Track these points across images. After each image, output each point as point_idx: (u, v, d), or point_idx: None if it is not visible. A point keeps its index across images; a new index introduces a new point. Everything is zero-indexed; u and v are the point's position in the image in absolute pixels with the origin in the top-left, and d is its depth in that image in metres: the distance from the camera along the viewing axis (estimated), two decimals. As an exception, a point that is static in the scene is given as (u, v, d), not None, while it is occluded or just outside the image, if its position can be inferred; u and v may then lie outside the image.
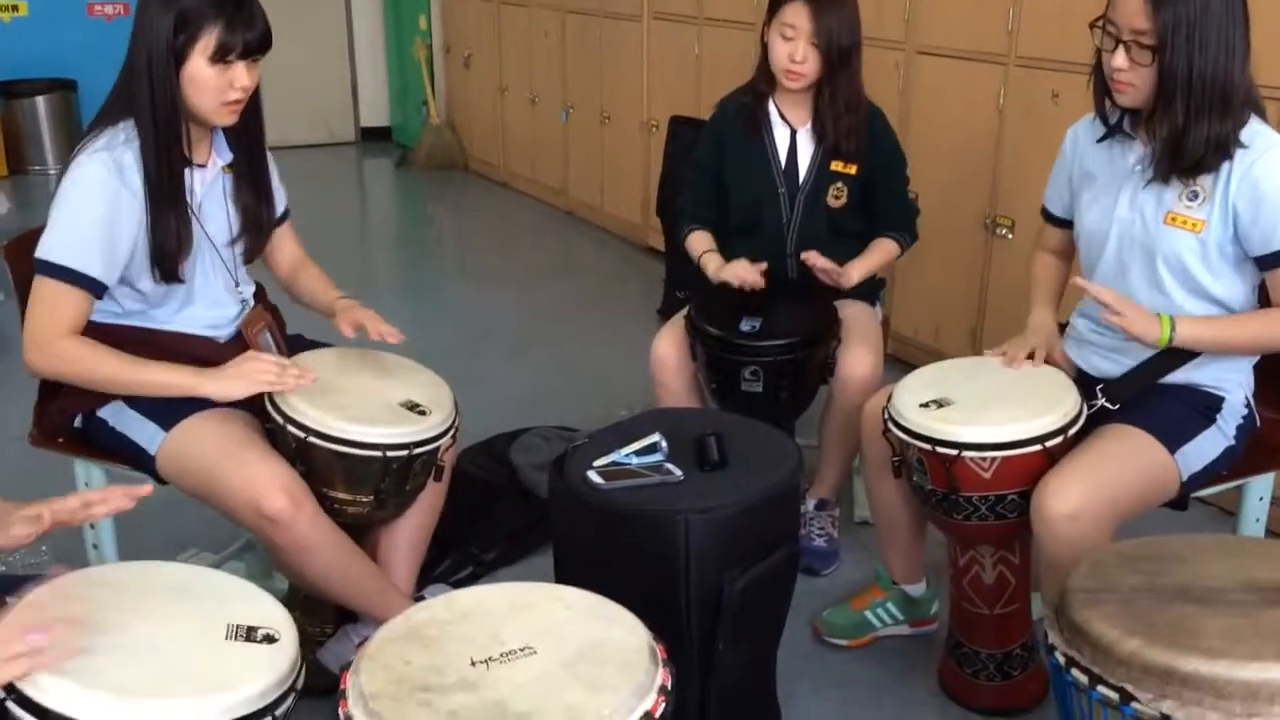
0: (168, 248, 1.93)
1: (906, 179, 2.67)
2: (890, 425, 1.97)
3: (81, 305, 1.89)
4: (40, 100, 6.76)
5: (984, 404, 1.93)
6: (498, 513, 2.76)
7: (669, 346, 2.54)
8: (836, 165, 2.56)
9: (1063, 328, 2.18)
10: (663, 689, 1.26)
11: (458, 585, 2.47)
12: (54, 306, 1.87)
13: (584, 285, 4.87)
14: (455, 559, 2.59)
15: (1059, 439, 1.86)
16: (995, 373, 2.04)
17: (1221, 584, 1.42)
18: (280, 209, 2.22)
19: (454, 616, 1.36)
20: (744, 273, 2.48)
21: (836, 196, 2.57)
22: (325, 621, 2.17)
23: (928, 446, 1.89)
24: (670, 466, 1.82)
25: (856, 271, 2.53)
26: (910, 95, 3.59)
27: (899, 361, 3.49)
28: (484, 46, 6.60)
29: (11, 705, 1.17)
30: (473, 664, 1.26)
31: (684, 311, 2.54)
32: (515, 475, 2.92)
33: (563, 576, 1.83)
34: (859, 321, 2.52)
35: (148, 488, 1.54)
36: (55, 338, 1.87)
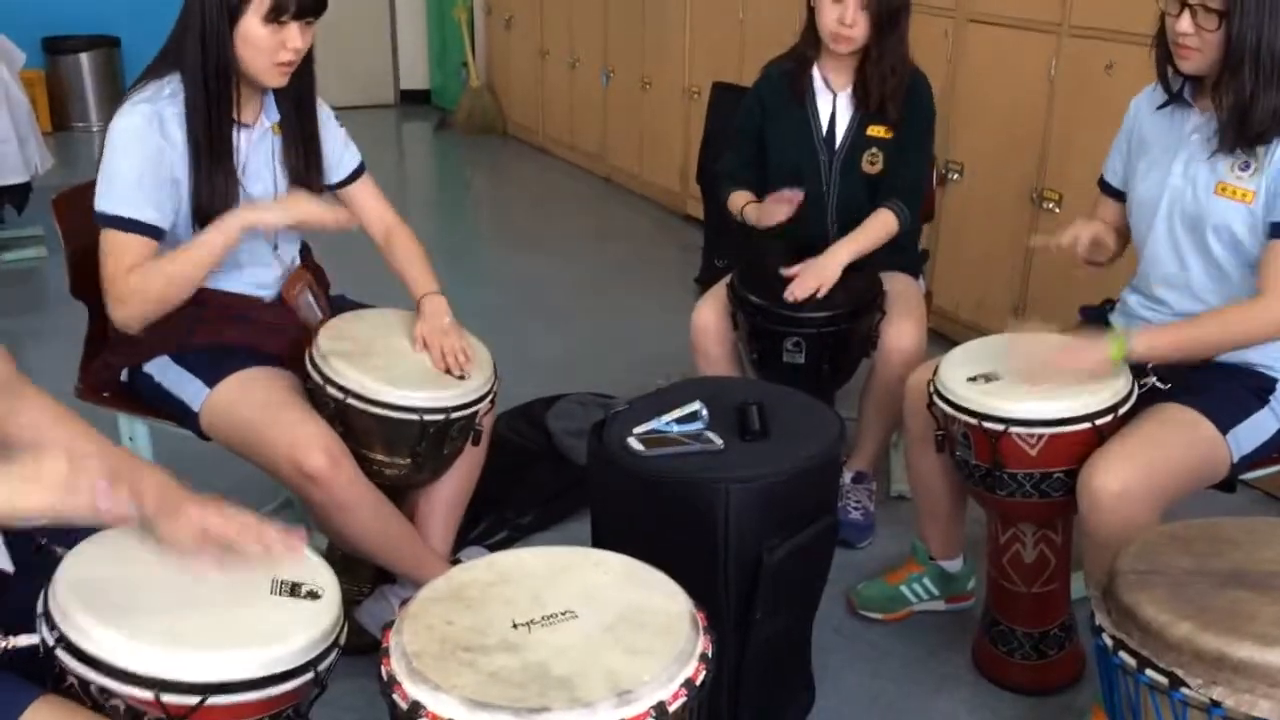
0: (212, 206, 1.93)
1: (931, 157, 2.61)
2: (936, 399, 1.94)
3: (143, 251, 1.89)
4: (84, 57, 6.80)
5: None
6: (533, 477, 2.77)
7: (710, 315, 2.52)
8: (873, 130, 2.51)
9: (1113, 303, 2.14)
10: (703, 656, 1.25)
11: (493, 549, 2.48)
12: (120, 256, 1.88)
13: (622, 252, 4.85)
14: (490, 522, 2.60)
15: (1109, 417, 1.83)
16: (1045, 349, 2.00)
17: (1277, 569, 1.39)
18: (348, 169, 2.19)
19: (495, 578, 1.35)
20: (779, 196, 2.42)
21: (872, 162, 2.52)
22: (363, 581, 2.18)
23: (974, 421, 1.86)
24: (711, 435, 1.80)
25: (844, 252, 2.40)
26: (959, 64, 3.52)
27: (939, 335, 3.44)
28: (525, 9, 6.55)
29: (61, 653, 1.19)
30: (514, 626, 1.26)
31: (726, 280, 2.52)
32: (551, 441, 2.92)
33: (600, 542, 1.82)
34: (903, 294, 2.48)
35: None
36: (121, 280, 1.88)
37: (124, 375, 2.07)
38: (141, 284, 1.89)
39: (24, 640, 1.22)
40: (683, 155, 5.09)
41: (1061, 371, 1.84)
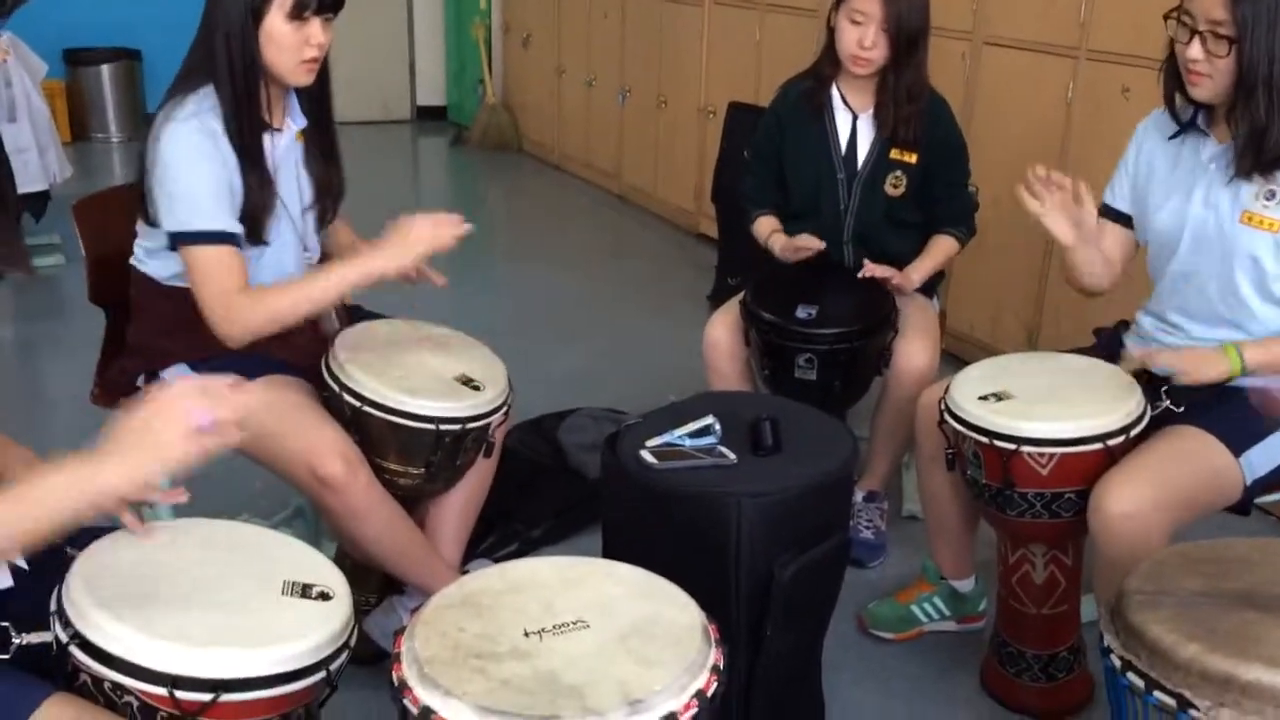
0: (253, 210, 1.94)
1: (967, 172, 2.63)
2: (947, 416, 1.95)
3: (239, 260, 1.90)
4: (105, 69, 6.86)
5: (1045, 399, 1.90)
6: (544, 491, 2.77)
7: (722, 331, 2.53)
8: (896, 153, 2.53)
9: (1127, 325, 2.14)
10: (715, 668, 1.25)
11: (501, 561, 2.47)
12: (219, 270, 1.88)
13: (634, 269, 4.87)
14: (500, 535, 2.61)
15: (1121, 438, 1.83)
16: (1057, 369, 2.01)
17: (1287, 590, 1.38)
18: None
19: (507, 587, 1.36)
20: (806, 240, 2.48)
21: (895, 185, 2.54)
22: (370, 591, 2.19)
23: (985, 440, 1.86)
24: (723, 449, 1.81)
25: (918, 274, 2.52)
26: (975, 86, 3.53)
27: (952, 357, 3.44)
28: (543, 27, 6.60)
29: (74, 650, 1.20)
30: (526, 634, 1.26)
31: (739, 296, 2.53)
32: (562, 454, 2.92)
33: (611, 554, 1.81)
34: (916, 314, 2.49)
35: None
36: (233, 298, 1.88)
37: (140, 381, 2.08)
38: (262, 307, 1.89)
39: (36, 638, 1.23)
40: (697, 174, 5.11)
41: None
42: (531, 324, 4.10)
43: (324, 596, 1.33)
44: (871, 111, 2.53)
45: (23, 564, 1.33)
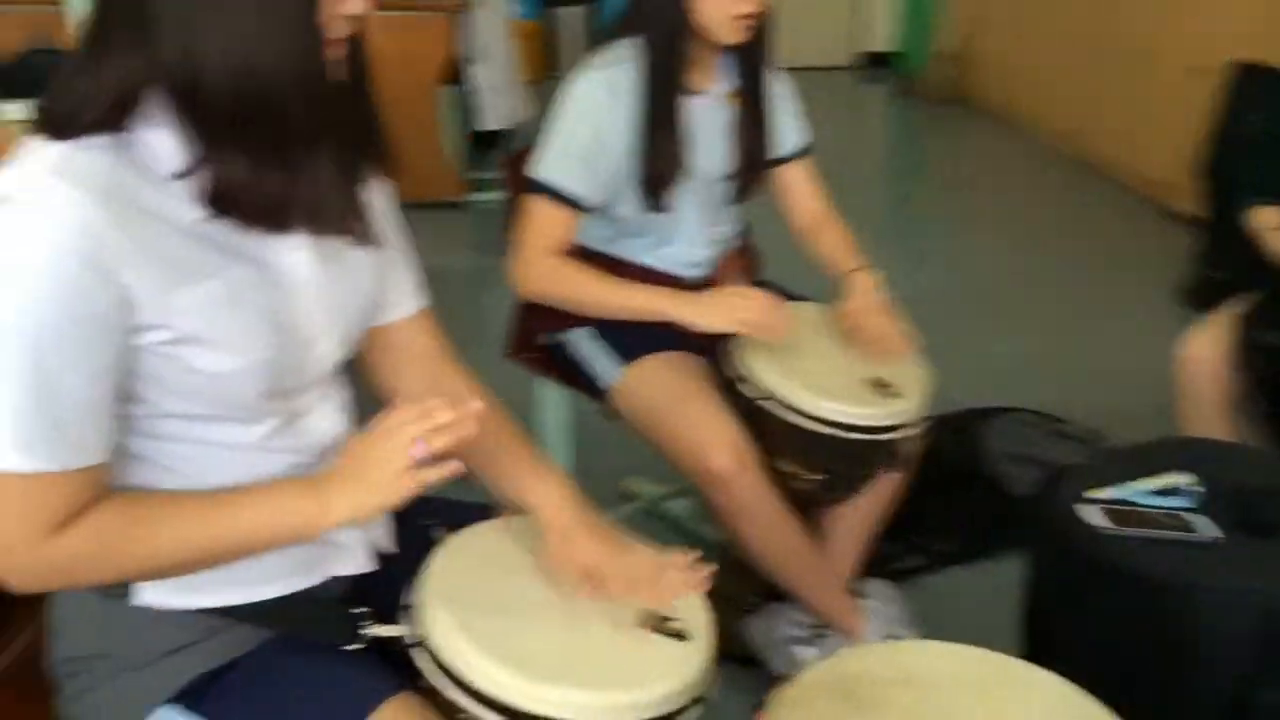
0: (658, 175, 1.82)
1: None
2: None
3: (565, 224, 1.84)
4: (571, 11, 7.24)
5: None
6: (957, 500, 2.47)
7: (1206, 347, 2.08)
8: None
9: None
10: None
11: (901, 577, 2.22)
12: (540, 224, 1.84)
13: (1092, 249, 4.30)
14: (902, 545, 2.34)
15: None
16: None
17: None
18: (788, 147, 2.01)
19: (895, 676, 1.11)
20: None
21: None
22: (754, 588, 2.03)
23: None
24: (1201, 519, 1.42)
25: None
26: None
27: None
28: (1012, -30, 6.03)
29: (419, 657, 1.12)
30: (913, 751, 1.02)
31: (1238, 308, 2.05)
32: (983, 461, 2.58)
33: (1033, 625, 1.52)
34: None
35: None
36: (540, 255, 1.84)
37: (543, 339, 2.04)
38: (558, 275, 1.84)
39: (386, 630, 1.17)
40: (1179, 141, 4.38)
41: None
42: (964, 303, 3.72)
43: (680, 635, 1.16)
44: None
45: (393, 547, 1.28)
